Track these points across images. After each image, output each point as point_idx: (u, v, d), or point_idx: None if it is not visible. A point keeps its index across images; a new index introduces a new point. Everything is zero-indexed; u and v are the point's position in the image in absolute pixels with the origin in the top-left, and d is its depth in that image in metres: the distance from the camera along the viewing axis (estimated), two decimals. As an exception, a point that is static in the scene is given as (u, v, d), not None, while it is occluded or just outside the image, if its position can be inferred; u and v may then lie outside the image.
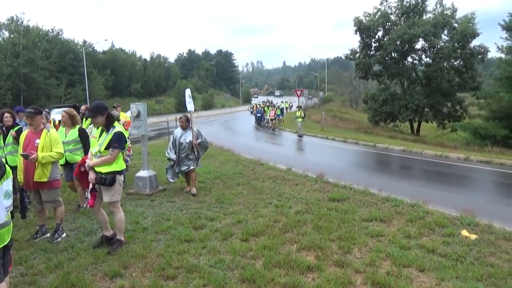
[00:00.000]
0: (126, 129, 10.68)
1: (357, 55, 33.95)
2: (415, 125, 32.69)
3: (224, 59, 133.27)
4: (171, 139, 8.00)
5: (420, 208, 7.00)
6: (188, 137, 7.82)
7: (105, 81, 61.40)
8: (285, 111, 49.73)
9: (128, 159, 8.14)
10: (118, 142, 4.88)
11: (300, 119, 22.69)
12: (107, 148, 4.86)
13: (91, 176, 4.95)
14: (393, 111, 31.47)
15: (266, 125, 29.95)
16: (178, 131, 7.97)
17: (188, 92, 8.54)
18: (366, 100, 35.84)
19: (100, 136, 4.94)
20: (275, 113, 28.40)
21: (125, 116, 11.26)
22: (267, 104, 34.23)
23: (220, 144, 17.41)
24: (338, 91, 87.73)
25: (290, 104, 57.79)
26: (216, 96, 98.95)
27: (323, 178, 9.67)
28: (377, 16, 32.00)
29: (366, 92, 40.51)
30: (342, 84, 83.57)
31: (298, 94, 31.42)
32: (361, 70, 33.53)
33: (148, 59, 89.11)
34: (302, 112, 23.03)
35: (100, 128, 4.97)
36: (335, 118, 41.24)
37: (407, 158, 14.65)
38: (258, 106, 35.14)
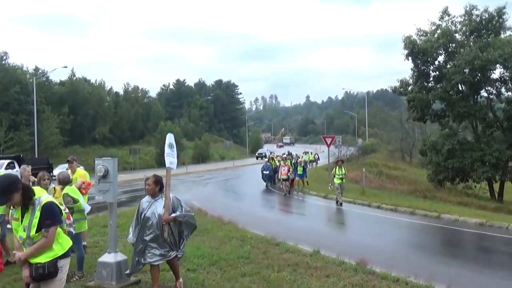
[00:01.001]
0: (84, 193, 10.74)
1: (410, 88, 34.51)
2: (496, 186, 32.36)
3: (225, 93, 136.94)
4: (136, 212, 7.69)
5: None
6: (157, 209, 7.25)
7: (61, 123, 62.91)
8: (308, 165, 49.96)
9: (72, 229, 7.84)
10: (51, 216, 4.80)
11: (339, 180, 22.29)
12: (39, 229, 4.81)
13: (25, 273, 4.89)
14: (463, 167, 31.30)
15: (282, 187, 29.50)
16: (145, 201, 7.43)
17: (169, 139, 8.14)
18: (424, 151, 35.93)
19: (23, 217, 4.91)
20: (289, 170, 26.95)
21: (82, 174, 11.33)
22: (284, 156, 33.80)
23: (218, 213, 17.30)
24: (384, 138, 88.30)
25: (316, 156, 58.08)
26: (213, 144, 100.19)
27: (365, 266, 9.47)
28: (436, 35, 32.80)
29: (424, 139, 40.73)
30: (389, 127, 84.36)
31: (328, 143, 31.63)
32: (416, 109, 33.92)
33: (121, 92, 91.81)
34: (343, 168, 22.57)
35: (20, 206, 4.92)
36: (381, 176, 41.19)
37: (487, 236, 14.37)
38: (276, 158, 34.66)
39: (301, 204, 23.60)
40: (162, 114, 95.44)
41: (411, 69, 34.06)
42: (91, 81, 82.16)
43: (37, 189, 4.96)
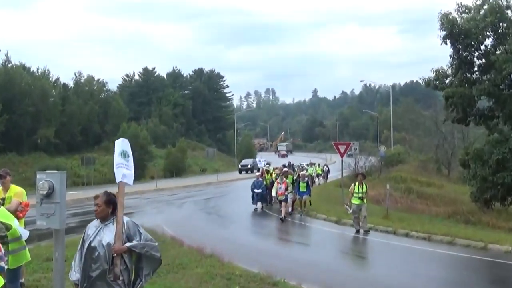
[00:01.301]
0: (22, 216, 10.61)
1: (448, 80, 34.64)
2: (559, 208, 32.47)
3: (207, 86, 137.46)
4: (80, 240, 7.42)
5: None
6: (106, 236, 7.05)
7: (-9, 123, 62.49)
8: (316, 180, 49.95)
9: (3, 263, 7.69)
10: None
11: (358, 201, 21.98)
12: None
13: None
14: (517, 183, 31.41)
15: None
16: (92, 225, 7.23)
17: (122, 145, 7.82)
18: (466, 162, 35.94)
19: None
20: (287, 188, 26.71)
21: (19, 192, 11.12)
22: (284, 169, 33.23)
23: (197, 242, 17.24)
24: (414, 145, 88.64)
25: (325, 168, 58.16)
26: (191, 152, 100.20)
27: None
28: (482, 12, 32.97)
29: (466, 146, 40.77)
30: (421, 131, 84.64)
31: (341, 151, 31.63)
32: (456, 108, 34.02)
33: (71, 84, 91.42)
34: (364, 185, 22.34)
35: None
36: (410, 195, 41.27)
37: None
38: (273, 171, 34.06)
39: (305, 231, 23.57)
40: (125, 113, 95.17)
41: (450, 55, 34.16)
42: (31, 69, 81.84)
43: None
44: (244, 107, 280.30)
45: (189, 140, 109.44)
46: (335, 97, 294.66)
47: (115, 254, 6.85)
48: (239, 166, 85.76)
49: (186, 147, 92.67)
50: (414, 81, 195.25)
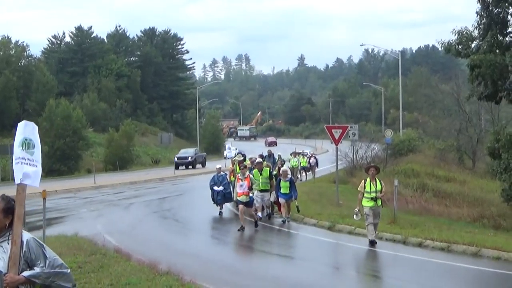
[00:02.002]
0: None
1: (474, 44, 34.85)
2: None
3: (160, 51, 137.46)
4: None
5: None
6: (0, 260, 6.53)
7: None
8: (299, 175, 50.03)
9: None
10: None
11: (370, 203, 21.38)
12: None
13: None
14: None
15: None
16: None
17: (24, 131, 7.16)
18: (495, 150, 36.26)
19: None
20: (250, 187, 25.27)
21: None
22: (257, 159, 32.75)
23: (149, 256, 17.32)
24: (429, 128, 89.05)
25: (313, 159, 57.42)
26: (140, 137, 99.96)
27: None
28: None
29: (497, 130, 41.08)
30: (438, 111, 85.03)
31: (336, 137, 31.77)
32: (484, 80, 34.26)
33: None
34: (377, 182, 21.72)
35: None
36: (424, 193, 41.53)
37: None
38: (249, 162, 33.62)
39: (289, 241, 23.66)
40: (52, 86, 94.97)
41: (477, 12, 34.35)
42: None
43: None
44: (209, 79, 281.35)
45: (137, 122, 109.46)
46: (327, 66, 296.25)
47: (7, 287, 6.36)
48: (175, 159, 77.50)
49: (133, 131, 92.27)
50: (430, 45, 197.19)
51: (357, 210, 21.80)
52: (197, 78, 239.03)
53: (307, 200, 33.38)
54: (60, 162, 71.80)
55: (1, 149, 61.82)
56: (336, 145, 32.61)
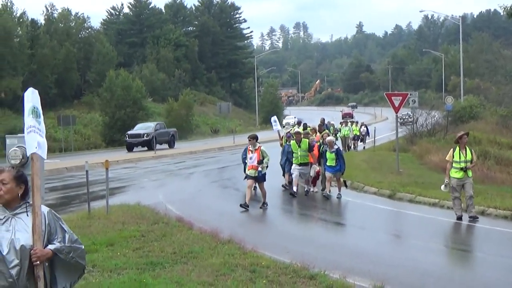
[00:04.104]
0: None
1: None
2: None
3: (218, 21, 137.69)
4: None
5: None
6: (17, 232, 6.22)
7: None
8: (351, 145, 49.75)
9: None
10: None
11: (459, 174, 20.20)
12: None
13: None
14: None
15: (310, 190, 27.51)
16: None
17: (32, 99, 6.72)
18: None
19: None
20: (260, 159, 22.63)
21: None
22: (296, 128, 31.89)
23: (210, 225, 17.43)
24: (491, 95, 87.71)
25: (362, 128, 55.81)
26: (199, 107, 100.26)
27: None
28: None
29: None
30: (500, 77, 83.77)
31: (396, 104, 31.59)
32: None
33: (42, 20, 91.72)
34: (468, 150, 20.44)
35: None
36: (486, 160, 41.05)
37: None
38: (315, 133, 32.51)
39: (349, 210, 23.67)
40: (112, 57, 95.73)
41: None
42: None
43: None
44: (267, 47, 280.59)
45: (196, 92, 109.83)
46: (386, 33, 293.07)
47: (38, 262, 5.99)
48: (126, 137, 60.88)
49: (192, 101, 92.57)
50: (492, 10, 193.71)
51: (446, 181, 20.36)
52: (255, 47, 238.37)
53: (366, 168, 33.28)
54: (120, 132, 71.94)
55: (64, 120, 62.50)
56: (396, 112, 32.37)
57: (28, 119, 6.56)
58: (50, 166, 38.03)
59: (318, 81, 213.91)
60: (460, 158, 19.77)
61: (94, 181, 28.11)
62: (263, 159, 22.60)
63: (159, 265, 12.63)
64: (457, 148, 19.93)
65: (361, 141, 54.48)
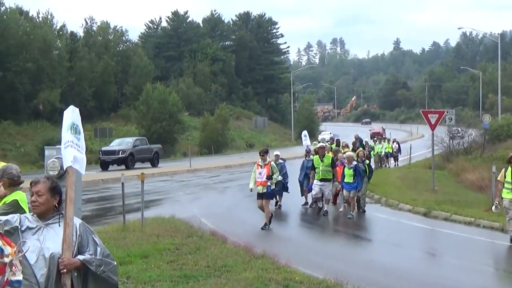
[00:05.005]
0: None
1: None
2: None
3: (255, 36, 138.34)
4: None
5: None
6: (47, 242, 6.25)
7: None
8: (385, 162, 49.45)
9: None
10: None
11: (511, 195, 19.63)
12: None
13: None
14: None
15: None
16: (26, 223, 6.37)
17: (72, 115, 6.55)
18: None
19: None
20: (269, 175, 21.71)
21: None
22: (320, 143, 31.34)
23: (244, 239, 17.53)
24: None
25: (394, 145, 54.93)
26: (234, 121, 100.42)
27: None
28: None
29: None
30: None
31: (432, 122, 31.47)
32: None
33: (81, 33, 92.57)
34: None
35: None
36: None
37: None
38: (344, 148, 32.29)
39: (382, 227, 23.56)
40: (149, 70, 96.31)
41: None
42: (30, 14, 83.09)
43: None
44: (304, 63, 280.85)
45: (232, 106, 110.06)
46: (423, 50, 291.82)
47: (65, 270, 6.02)
48: (99, 154, 55.16)
49: (227, 115, 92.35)
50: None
51: (497, 202, 19.78)
52: (292, 62, 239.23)
53: (401, 185, 33.19)
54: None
55: (101, 132, 62.97)
56: (432, 130, 32.22)
57: (67, 135, 6.64)
58: (87, 177, 38.22)
59: (354, 97, 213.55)
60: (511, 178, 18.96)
61: (129, 194, 28.24)
62: (273, 174, 21.82)
63: (192, 278, 12.70)
64: (509, 168, 19.17)
65: (393, 159, 54.13)
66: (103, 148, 55.33)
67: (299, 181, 27.99)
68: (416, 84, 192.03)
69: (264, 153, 22.25)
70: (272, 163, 22.45)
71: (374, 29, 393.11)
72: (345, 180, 24.06)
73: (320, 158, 24.74)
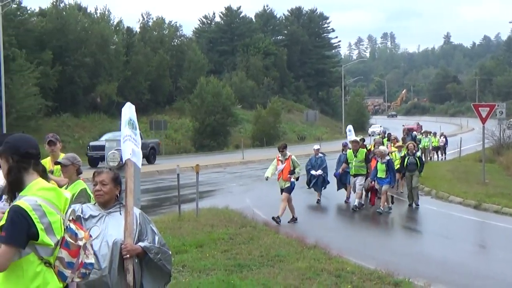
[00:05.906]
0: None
1: None
2: None
3: (306, 30, 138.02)
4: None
5: None
6: (109, 229, 6.38)
7: (43, 77, 63.81)
8: (430, 155, 49.01)
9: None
10: (8, 228, 4.85)
11: None
12: None
13: None
14: None
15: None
16: (88, 211, 6.56)
17: (129, 112, 7.35)
18: None
19: None
20: (290, 171, 21.21)
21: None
22: (350, 137, 30.51)
23: (296, 230, 17.64)
24: None
25: (441, 139, 54.18)
26: (286, 114, 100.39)
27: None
28: None
29: None
30: None
31: (483, 115, 31.14)
32: None
33: (137, 29, 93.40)
34: None
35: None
36: None
37: None
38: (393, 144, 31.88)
39: (433, 219, 23.38)
40: (203, 64, 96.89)
41: None
42: (88, 10, 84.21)
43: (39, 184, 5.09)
44: (355, 57, 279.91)
45: (284, 100, 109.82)
46: (474, 44, 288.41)
47: (128, 256, 6.19)
48: (87, 149, 48.27)
49: (279, 108, 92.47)
50: None
51: None
52: (342, 56, 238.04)
53: (452, 178, 32.86)
54: (210, 137, 73.14)
55: (156, 125, 63.44)
56: (483, 123, 31.85)
57: (125, 129, 7.01)
58: (143, 169, 38.50)
59: (404, 90, 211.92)
60: None
61: (184, 184, 28.43)
62: (294, 169, 21.22)
63: (246, 267, 12.79)
64: None
65: (441, 153, 53.76)
66: (91, 143, 48.93)
67: (334, 176, 27.21)
68: (466, 78, 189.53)
69: (283, 148, 21.57)
70: (293, 157, 21.64)
71: (424, 23, 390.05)
72: (378, 175, 23.30)
73: (354, 153, 24.24)
